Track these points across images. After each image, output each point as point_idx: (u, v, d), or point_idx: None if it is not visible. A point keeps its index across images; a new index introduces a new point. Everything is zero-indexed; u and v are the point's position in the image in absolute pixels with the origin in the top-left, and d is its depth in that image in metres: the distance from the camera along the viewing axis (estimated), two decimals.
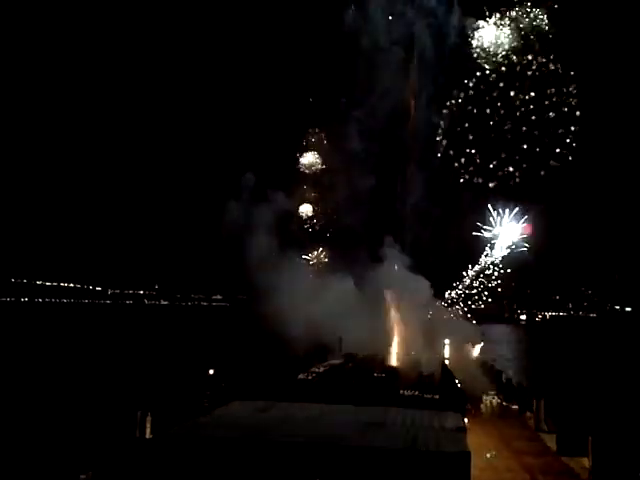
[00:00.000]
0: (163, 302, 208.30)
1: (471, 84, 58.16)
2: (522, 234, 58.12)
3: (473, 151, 58.03)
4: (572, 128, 56.54)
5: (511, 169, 57.27)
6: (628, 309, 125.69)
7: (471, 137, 57.92)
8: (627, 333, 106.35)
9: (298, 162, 67.99)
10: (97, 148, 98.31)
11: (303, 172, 68.00)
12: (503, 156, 57.11)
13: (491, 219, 59.17)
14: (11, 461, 23.55)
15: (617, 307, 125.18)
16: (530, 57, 56.55)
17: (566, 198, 60.70)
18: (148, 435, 25.69)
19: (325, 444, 21.89)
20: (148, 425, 25.97)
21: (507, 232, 58.07)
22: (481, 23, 58.16)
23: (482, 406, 36.67)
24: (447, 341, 52.99)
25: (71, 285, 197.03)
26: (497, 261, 59.08)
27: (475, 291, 60.01)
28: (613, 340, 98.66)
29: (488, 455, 26.63)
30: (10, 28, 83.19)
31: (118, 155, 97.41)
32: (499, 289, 59.51)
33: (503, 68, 57.15)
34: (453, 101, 59.24)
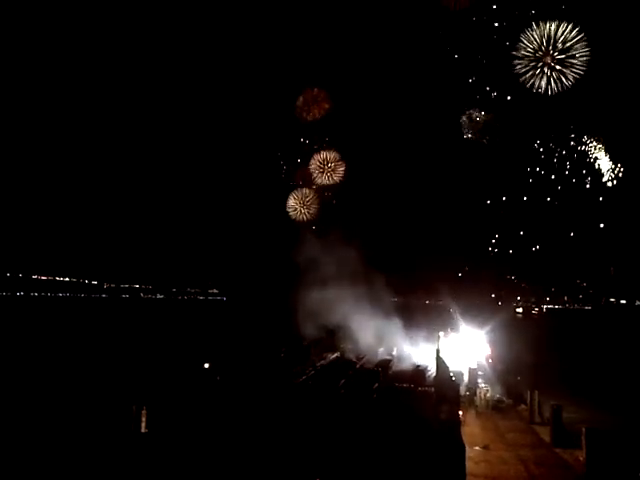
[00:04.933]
0: (159, 296, 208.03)
1: None
2: None
3: None
4: None
5: None
6: (623, 302, 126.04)
7: None
8: (622, 325, 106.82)
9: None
10: (92, 144, 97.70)
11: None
12: None
13: None
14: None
15: (612, 300, 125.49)
16: None
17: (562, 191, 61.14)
18: (143, 429, 25.74)
19: (322, 435, 22.06)
20: (143, 419, 26.00)
21: None
22: None
23: (476, 399, 36.82)
24: (442, 334, 53.15)
25: (67, 279, 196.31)
26: None
27: None
28: (608, 332, 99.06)
29: (482, 448, 26.76)
30: (10, 28, 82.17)
31: (113, 149, 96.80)
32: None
33: None
34: None
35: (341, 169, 68.28)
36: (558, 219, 63.85)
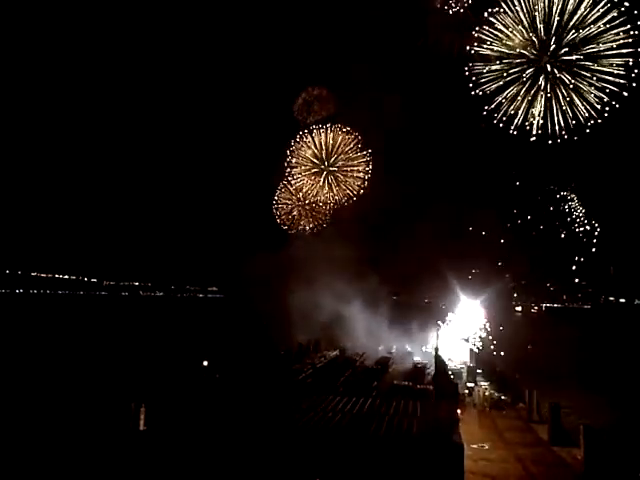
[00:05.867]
0: (158, 293, 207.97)
1: None
2: None
3: None
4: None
5: None
6: (622, 300, 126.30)
7: None
8: (621, 324, 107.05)
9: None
10: (91, 141, 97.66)
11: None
12: None
13: None
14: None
15: (611, 298, 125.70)
16: None
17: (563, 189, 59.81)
18: (142, 427, 25.73)
19: (322, 433, 22.06)
20: (142, 417, 26.00)
21: None
22: None
23: (475, 397, 36.87)
24: (440, 332, 53.25)
25: (66, 277, 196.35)
26: None
27: None
28: (607, 331, 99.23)
29: (481, 446, 26.79)
30: (10, 28, 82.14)
31: (112, 148, 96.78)
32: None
33: None
34: None
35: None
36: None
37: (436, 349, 46.42)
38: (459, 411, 29.63)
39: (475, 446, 26.45)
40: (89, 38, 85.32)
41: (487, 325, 50.56)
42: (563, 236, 54.78)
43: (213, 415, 24.72)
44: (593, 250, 52.58)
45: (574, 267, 53.86)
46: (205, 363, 38.20)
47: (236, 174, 76.97)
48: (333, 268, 56.61)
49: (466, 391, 38.33)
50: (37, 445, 24.12)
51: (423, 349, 55.98)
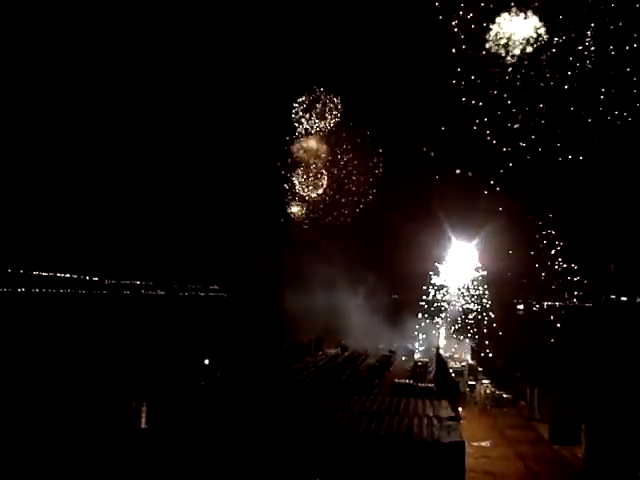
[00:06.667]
0: (160, 292, 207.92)
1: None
2: None
3: None
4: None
5: None
6: (624, 298, 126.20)
7: None
8: (622, 322, 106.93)
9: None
10: (92, 140, 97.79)
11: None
12: None
13: None
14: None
15: (613, 297, 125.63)
16: None
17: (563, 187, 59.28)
18: (143, 425, 25.80)
19: (323, 432, 22.10)
20: (143, 415, 26.08)
21: None
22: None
23: (476, 395, 36.91)
24: (442, 330, 53.29)
25: (68, 275, 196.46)
26: None
27: None
28: (608, 329, 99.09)
29: (482, 444, 26.83)
30: (10, 28, 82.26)
31: (113, 146, 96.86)
32: None
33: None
34: None
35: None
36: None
37: (437, 347, 46.51)
38: (460, 409, 29.68)
39: (476, 444, 26.50)
40: (87, 37, 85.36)
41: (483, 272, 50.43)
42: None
43: (214, 414, 24.75)
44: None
45: (574, 266, 53.97)
46: (206, 362, 38.29)
47: (238, 173, 77.06)
48: (334, 267, 56.64)
49: (467, 389, 38.38)
50: (37, 444, 24.19)
51: (418, 348, 56.05)
